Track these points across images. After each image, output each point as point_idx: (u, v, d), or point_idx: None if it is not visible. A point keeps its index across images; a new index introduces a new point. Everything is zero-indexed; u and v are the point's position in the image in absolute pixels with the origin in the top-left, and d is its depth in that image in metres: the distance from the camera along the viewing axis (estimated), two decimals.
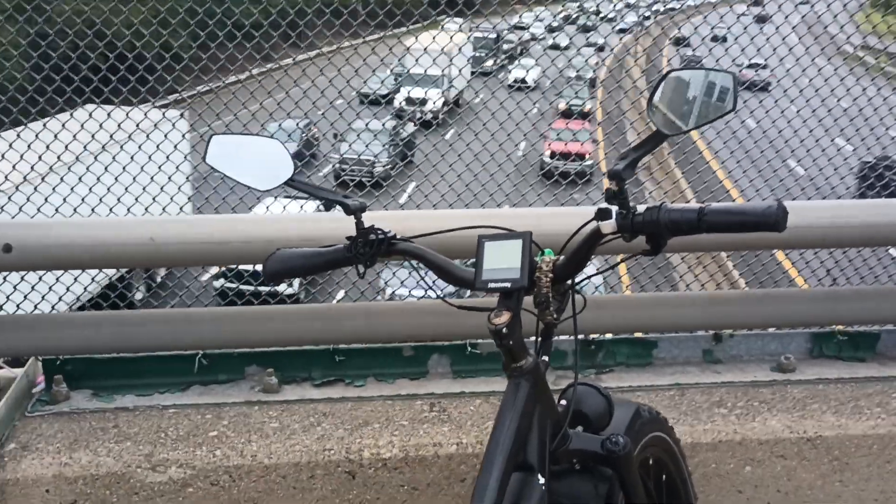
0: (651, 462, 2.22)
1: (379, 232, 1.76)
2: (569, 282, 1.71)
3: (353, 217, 1.75)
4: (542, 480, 1.66)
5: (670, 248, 1.91)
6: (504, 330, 1.61)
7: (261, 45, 4.07)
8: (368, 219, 1.78)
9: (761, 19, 5.52)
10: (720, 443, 2.65)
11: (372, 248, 1.76)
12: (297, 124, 6.17)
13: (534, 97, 8.17)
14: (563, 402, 1.86)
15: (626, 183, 1.54)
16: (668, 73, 1.50)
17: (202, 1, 4.05)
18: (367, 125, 6.00)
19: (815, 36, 5.23)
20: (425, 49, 4.66)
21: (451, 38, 4.94)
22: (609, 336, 3.01)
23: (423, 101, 12.61)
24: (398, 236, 1.81)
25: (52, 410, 2.66)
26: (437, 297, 1.87)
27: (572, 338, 2.99)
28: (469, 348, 2.92)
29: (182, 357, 2.83)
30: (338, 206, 1.73)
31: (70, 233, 2.37)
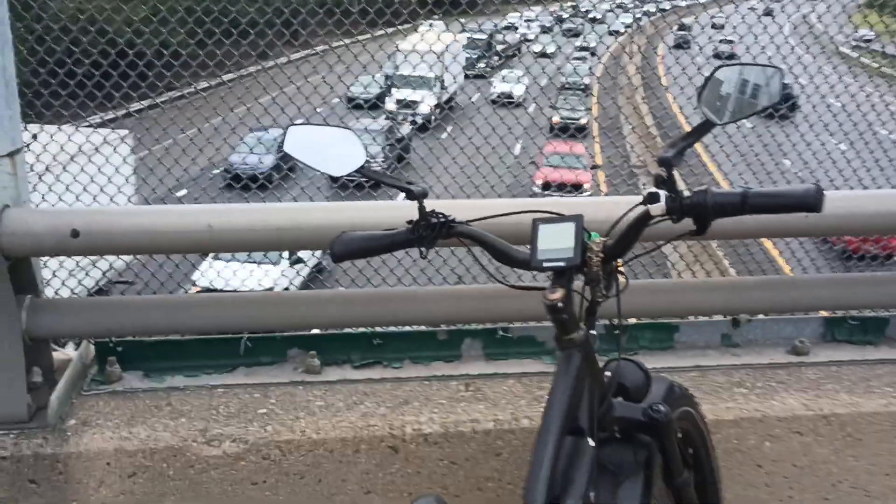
0: (680, 436, 2.37)
1: (440, 216, 1.90)
2: (618, 261, 1.86)
3: (415, 203, 1.89)
4: (591, 443, 1.80)
5: (714, 234, 2.05)
6: (559, 304, 1.75)
7: (230, 52, 4.15)
8: (428, 206, 1.92)
9: (767, 13, 5.65)
10: (742, 419, 2.80)
11: (433, 231, 1.90)
12: (276, 139, 6.19)
13: (521, 112, 7.16)
14: (608, 373, 2.00)
15: (674, 169, 1.68)
16: (720, 66, 1.64)
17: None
18: (366, 128, 6.05)
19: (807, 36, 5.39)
20: (414, 47, 4.75)
21: (438, 36, 5.06)
22: (633, 321, 3.15)
23: (415, 104, 12.53)
24: (457, 220, 1.95)
25: (107, 390, 2.80)
26: (491, 277, 2.01)
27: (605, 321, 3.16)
28: (500, 332, 3.06)
29: (227, 340, 2.97)
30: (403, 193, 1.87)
31: (133, 221, 2.51)
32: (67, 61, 3.67)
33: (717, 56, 7.26)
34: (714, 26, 7.51)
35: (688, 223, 1.73)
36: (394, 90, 12.83)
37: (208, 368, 2.93)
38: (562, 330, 1.81)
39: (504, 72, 9.44)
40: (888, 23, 4.91)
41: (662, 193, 1.71)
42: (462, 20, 5.17)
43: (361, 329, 3.01)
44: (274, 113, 4.23)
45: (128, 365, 2.90)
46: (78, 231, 2.41)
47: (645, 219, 1.76)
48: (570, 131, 5.87)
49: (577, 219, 1.81)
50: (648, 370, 2.13)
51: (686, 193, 1.70)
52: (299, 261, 8.32)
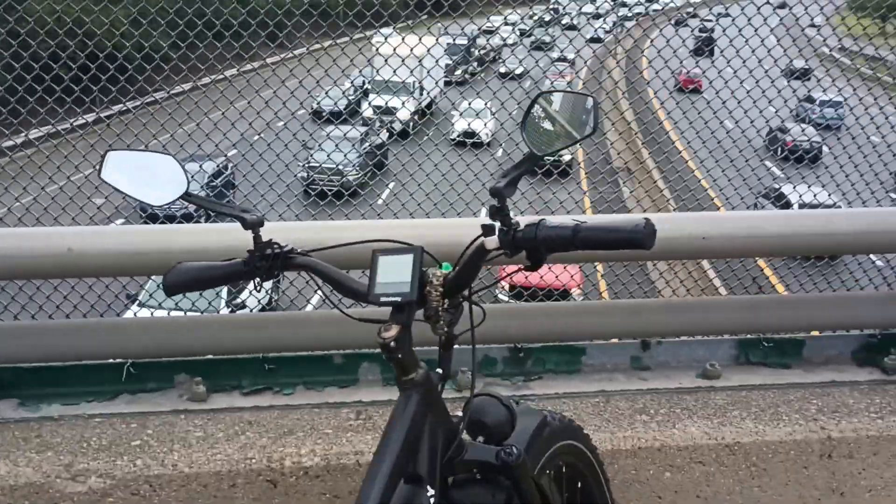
0: (564, 469, 2.26)
1: (276, 246, 1.79)
2: (463, 293, 1.75)
3: (250, 231, 1.77)
4: (431, 492, 1.69)
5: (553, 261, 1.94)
6: (392, 343, 1.64)
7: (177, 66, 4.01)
8: (268, 231, 1.80)
9: (781, 6, 5.47)
10: (640, 449, 2.69)
11: (268, 262, 1.78)
12: (219, 165, 5.91)
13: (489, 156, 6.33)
14: (459, 414, 1.89)
15: (506, 200, 1.57)
16: (539, 95, 1.53)
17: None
18: (345, 134, 5.79)
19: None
20: (395, 49, 4.60)
21: (420, 39, 4.92)
22: (538, 344, 3.05)
23: (393, 111, 12.21)
24: (298, 249, 1.83)
25: None
26: (334, 306, 1.90)
27: (500, 345, 3.05)
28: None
29: (111, 365, 2.83)
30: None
31: None
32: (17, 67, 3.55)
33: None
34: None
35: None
36: (371, 96, 12.61)
37: (88, 396, 2.80)
38: (399, 370, 1.70)
39: (465, 104, 8.00)
40: (865, 25, 4.82)
41: (496, 226, 1.60)
42: (442, 24, 5.02)
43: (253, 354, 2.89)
44: (241, 127, 4.07)
45: (3, 392, 2.76)
46: None
47: (481, 252, 1.65)
48: (554, 176, 4.75)
49: (416, 250, 1.70)
50: (513, 405, 2.01)
51: (521, 225, 1.59)
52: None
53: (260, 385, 2.88)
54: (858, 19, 4.77)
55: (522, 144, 1.62)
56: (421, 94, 14.54)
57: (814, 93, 5.24)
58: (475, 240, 1.72)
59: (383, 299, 1.70)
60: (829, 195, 4.43)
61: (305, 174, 8.24)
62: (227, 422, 2.71)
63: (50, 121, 3.86)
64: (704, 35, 6.89)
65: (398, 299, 1.67)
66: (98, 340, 2.77)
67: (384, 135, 8.36)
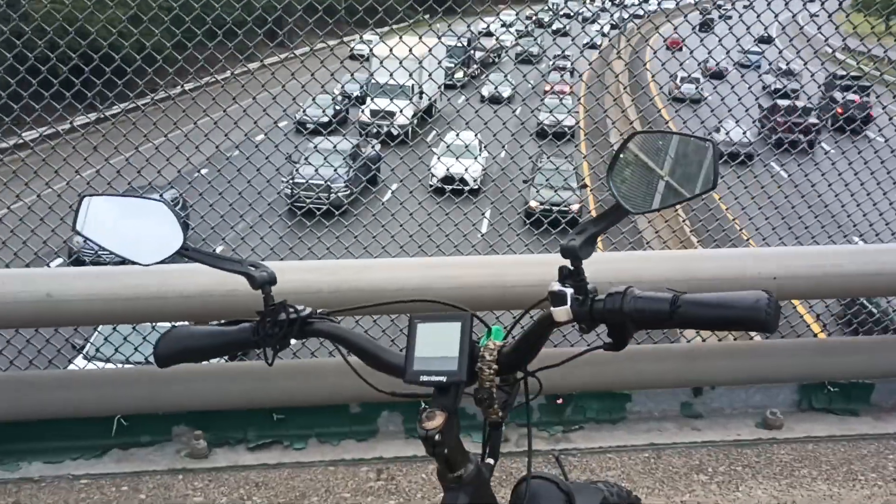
0: None
1: (291, 310, 1.46)
2: (527, 370, 1.42)
3: (260, 291, 1.45)
4: None
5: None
6: (437, 437, 1.31)
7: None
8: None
9: None
10: None
11: (282, 329, 1.46)
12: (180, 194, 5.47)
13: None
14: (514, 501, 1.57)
15: (582, 262, 1.24)
16: (634, 134, 1.21)
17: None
18: (334, 146, 5.31)
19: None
20: (391, 50, 4.27)
21: (420, 38, 4.59)
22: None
23: (391, 114, 11.78)
24: (318, 312, 1.51)
25: None
26: (365, 381, 1.57)
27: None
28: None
29: (100, 418, 2.52)
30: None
31: None
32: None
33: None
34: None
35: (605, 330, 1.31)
36: (368, 99, 12.26)
37: (74, 452, 2.48)
38: (444, 465, 1.37)
39: (449, 137, 6.22)
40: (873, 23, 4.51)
41: (569, 293, 1.27)
42: (434, 27, 4.66)
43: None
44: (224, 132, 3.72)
45: None
46: None
47: (548, 325, 1.32)
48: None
49: (463, 317, 1.37)
50: (571, 488, 1.69)
51: (601, 295, 1.26)
52: None
53: (268, 438, 2.56)
54: (865, 17, 4.46)
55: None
56: (420, 98, 14.15)
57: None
58: (538, 303, 1.40)
59: (424, 378, 1.37)
60: None
61: (290, 191, 7.82)
62: (230, 483, 2.39)
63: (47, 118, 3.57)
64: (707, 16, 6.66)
65: (443, 379, 1.35)
66: (85, 393, 2.46)
67: (377, 145, 7.79)
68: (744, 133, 4.62)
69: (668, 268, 2.35)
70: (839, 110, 4.52)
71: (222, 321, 1.52)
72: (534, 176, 6.87)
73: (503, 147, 3.90)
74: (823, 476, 2.50)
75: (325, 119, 5.29)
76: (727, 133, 4.01)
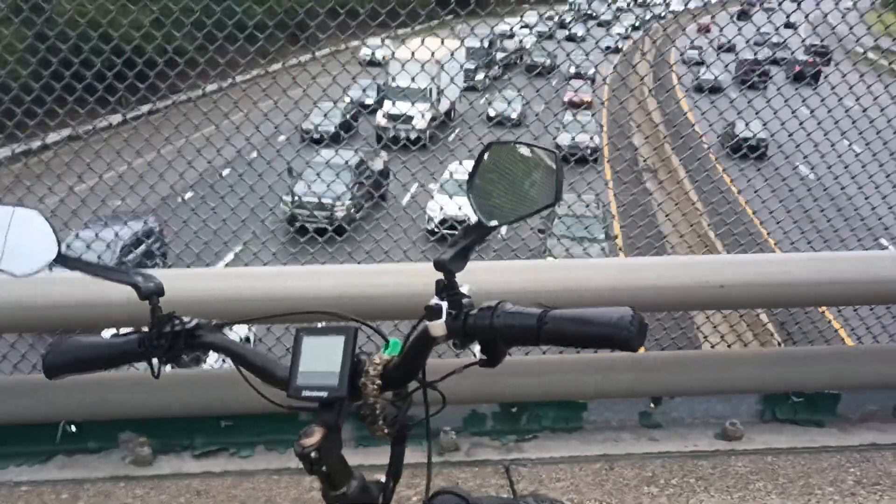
0: None
1: (177, 322, 1.43)
2: (412, 385, 1.38)
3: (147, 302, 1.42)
4: None
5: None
6: (313, 454, 1.27)
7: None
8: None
9: None
10: None
11: (167, 341, 1.42)
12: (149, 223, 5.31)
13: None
14: None
15: (455, 276, 1.20)
16: (488, 146, 1.17)
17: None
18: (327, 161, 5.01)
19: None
20: (413, 55, 4.19)
21: (442, 41, 4.52)
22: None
23: (409, 118, 11.59)
24: (211, 323, 1.48)
25: None
26: (256, 391, 1.54)
27: (490, 404, 2.68)
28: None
29: (47, 424, 2.51)
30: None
31: None
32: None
33: None
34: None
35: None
36: (386, 103, 12.17)
37: (18, 459, 2.47)
38: (325, 483, 1.33)
39: (453, 168, 5.12)
40: None
41: (444, 307, 1.23)
42: (461, 25, 4.57)
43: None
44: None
45: None
46: None
47: (427, 340, 1.28)
48: None
49: (347, 331, 1.33)
50: (480, 502, 1.64)
51: (475, 310, 1.22)
52: None
53: (214, 446, 2.54)
54: None
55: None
56: (439, 101, 13.99)
57: None
58: (418, 322, 1.36)
59: (306, 393, 1.34)
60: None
61: (288, 209, 7.51)
62: (171, 491, 2.37)
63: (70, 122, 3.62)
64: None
65: (323, 394, 1.31)
66: (33, 399, 2.44)
67: (383, 157, 7.49)
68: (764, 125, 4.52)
69: (610, 276, 2.30)
70: (797, 67, 5.44)
71: (115, 332, 1.50)
72: (549, 226, 5.68)
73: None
74: (778, 489, 2.44)
75: (332, 129, 5.04)
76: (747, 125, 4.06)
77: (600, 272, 2.35)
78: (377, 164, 8.05)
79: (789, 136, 4.02)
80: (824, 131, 3.66)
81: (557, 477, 2.50)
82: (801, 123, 3.92)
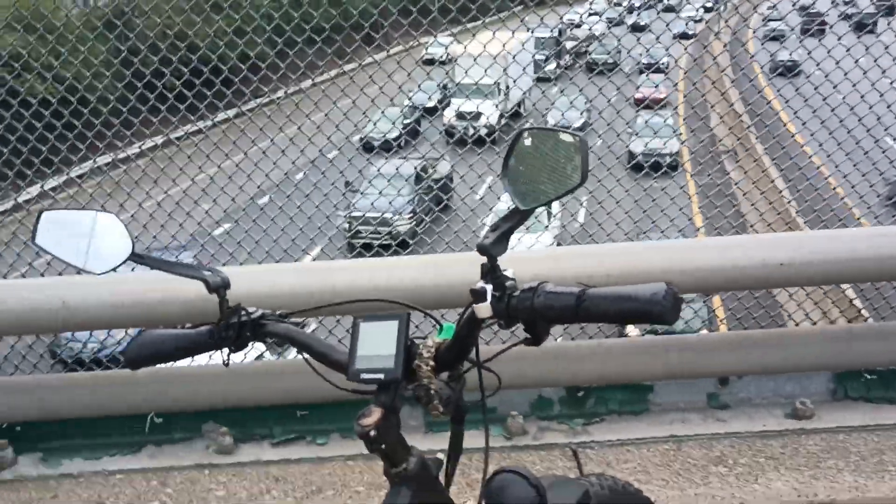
0: None
1: (243, 313, 1.53)
2: (466, 365, 1.45)
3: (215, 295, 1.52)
4: None
5: None
6: (372, 433, 1.35)
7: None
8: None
9: None
10: None
11: (236, 332, 1.52)
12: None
13: None
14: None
15: (497, 260, 1.26)
16: (521, 131, 1.22)
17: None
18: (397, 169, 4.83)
19: None
20: (484, 48, 4.19)
21: (513, 33, 4.52)
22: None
23: (479, 115, 11.46)
24: (277, 313, 1.57)
25: None
26: (321, 375, 1.62)
27: (556, 388, 2.72)
28: None
29: (135, 416, 2.66)
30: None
31: None
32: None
33: None
34: None
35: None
36: (453, 101, 12.15)
37: (112, 449, 2.63)
38: (385, 461, 1.41)
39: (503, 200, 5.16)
40: None
41: (489, 290, 1.29)
42: (528, 15, 4.59)
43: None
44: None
45: (25, 446, 2.62)
46: None
47: (474, 322, 1.34)
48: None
49: (400, 317, 1.41)
50: (540, 482, 1.69)
51: (517, 291, 1.28)
52: None
53: (291, 434, 2.65)
54: None
55: None
56: (507, 96, 13.88)
57: None
58: (467, 307, 1.42)
59: (364, 376, 1.42)
60: None
61: (348, 225, 7.44)
62: (252, 477, 2.49)
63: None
64: None
65: (381, 376, 1.39)
66: (123, 392, 2.61)
67: (446, 165, 7.34)
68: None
69: (667, 258, 2.32)
70: None
71: (187, 325, 1.61)
72: None
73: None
74: (851, 467, 2.41)
75: (391, 135, 4.99)
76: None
77: (659, 253, 2.37)
78: (442, 170, 7.96)
79: (870, 108, 3.93)
80: None
81: (625, 458, 2.53)
82: (881, 95, 3.82)
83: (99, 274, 1.47)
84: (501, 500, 1.64)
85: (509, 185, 1.22)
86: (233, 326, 1.54)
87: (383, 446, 1.38)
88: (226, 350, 1.57)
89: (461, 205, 4.23)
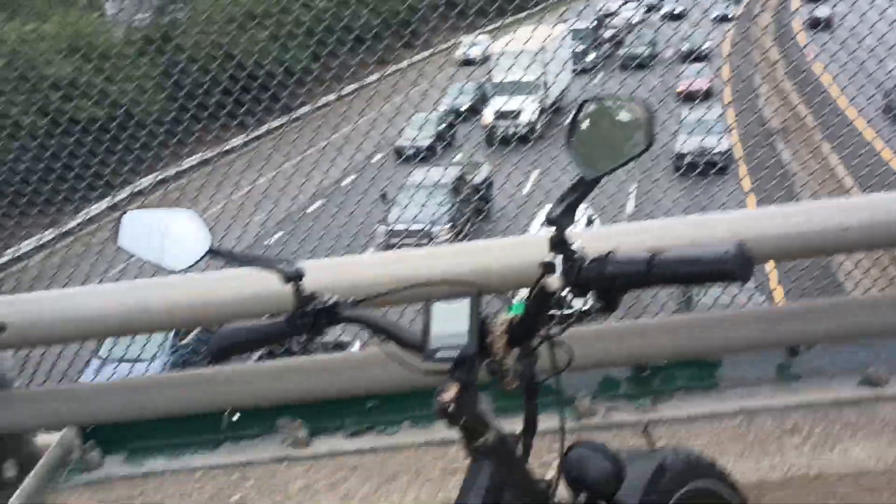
0: None
1: (317, 302, 1.57)
2: (536, 340, 1.48)
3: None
4: None
5: None
6: (450, 408, 1.39)
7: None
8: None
9: None
10: (791, 479, 2.31)
11: (312, 319, 1.57)
12: None
13: None
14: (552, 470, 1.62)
15: (565, 231, 1.29)
16: (584, 102, 1.25)
17: None
18: (436, 182, 4.73)
19: None
20: (525, 43, 4.18)
21: (552, 27, 4.51)
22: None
23: (518, 113, 11.34)
24: (348, 300, 1.62)
25: (84, 480, 2.63)
26: (394, 359, 1.67)
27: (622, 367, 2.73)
28: None
29: (212, 414, 2.75)
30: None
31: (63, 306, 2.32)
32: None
33: None
34: None
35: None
36: (492, 99, 12.10)
37: (192, 447, 2.72)
38: (466, 436, 1.45)
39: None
40: None
41: (558, 262, 1.32)
42: (564, 8, 4.59)
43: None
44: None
45: (111, 447, 2.73)
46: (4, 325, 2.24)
47: (545, 294, 1.37)
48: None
49: (472, 295, 1.44)
50: (619, 454, 1.71)
51: (587, 261, 1.30)
52: None
53: (363, 424, 2.71)
54: None
55: None
56: (547, 91, 13.76)
57: None
58: (536, 281, 1.45)
59: (440, 355, 1.45)
60: None
61: (383, 239, 7.47)
62: (329, 468, 2.56)
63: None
64: None
65: (455, 353, 1.42)
66: (200, 391, 2.69)
67: (485, 170, 7.25)
68: None
69: (724, 230, 2.31)
70: None
71: (265, 317, 1.67)
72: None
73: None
74: None
75: (422, 143, 4.84)
76: None
77: (717, 226, 2.36)
78: (481, 174, 7.89)
79: None
80: None
81: (696, 434, 2.53)
82: None
83: (178, 271, 1.53)
84: (580, 472, 1.66)
85: (574, 155, 1.24)
86: (308, 314, 1.58)
87: (463, 420, 1.42)
88: (303, 337, 1.62)
89: (502, 208, 4.27)
